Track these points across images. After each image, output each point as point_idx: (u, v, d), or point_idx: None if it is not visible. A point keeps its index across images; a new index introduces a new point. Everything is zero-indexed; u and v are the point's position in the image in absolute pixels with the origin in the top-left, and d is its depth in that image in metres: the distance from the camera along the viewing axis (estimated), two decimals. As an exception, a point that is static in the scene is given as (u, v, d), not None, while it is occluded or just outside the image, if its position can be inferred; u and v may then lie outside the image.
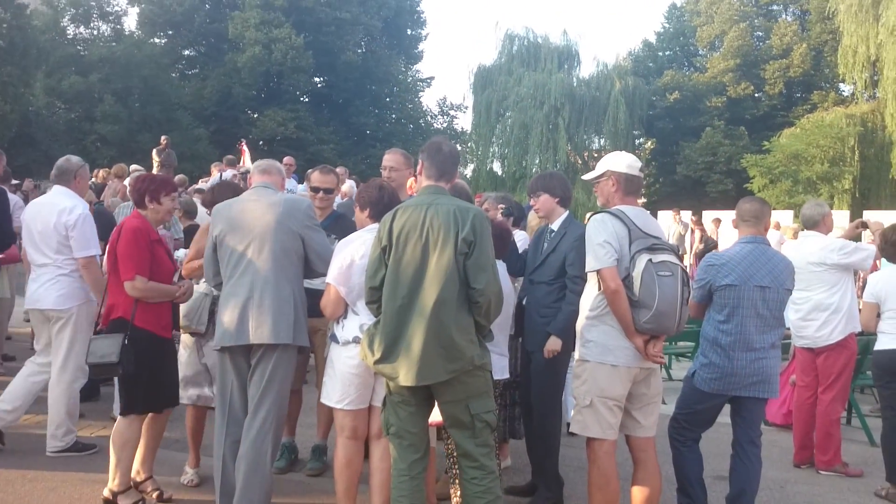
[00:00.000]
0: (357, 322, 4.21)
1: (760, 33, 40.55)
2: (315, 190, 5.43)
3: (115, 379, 5.34)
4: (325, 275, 4.33)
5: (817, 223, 6.19)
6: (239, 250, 4.34)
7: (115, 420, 5.25)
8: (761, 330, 4.66)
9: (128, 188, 7.88)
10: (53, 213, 5.40)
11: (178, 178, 12.63)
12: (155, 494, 4.82)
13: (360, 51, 39.76)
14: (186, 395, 5.02)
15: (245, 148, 15.46)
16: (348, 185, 10.62)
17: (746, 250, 4.75)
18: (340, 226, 5.18)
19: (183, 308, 4.88)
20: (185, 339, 5.05)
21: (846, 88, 36.91)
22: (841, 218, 20.05)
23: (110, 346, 4.43)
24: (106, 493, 4.59)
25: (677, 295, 3.99)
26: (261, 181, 4.62)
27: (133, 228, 4.53)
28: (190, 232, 7.17)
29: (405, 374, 3.69)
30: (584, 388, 4.18)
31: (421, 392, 3.79)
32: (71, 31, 33.92)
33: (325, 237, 4.57)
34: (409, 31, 43.96)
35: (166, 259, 4.74)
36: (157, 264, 4.60)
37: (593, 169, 4.50)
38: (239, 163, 14.92)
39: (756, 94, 39.29)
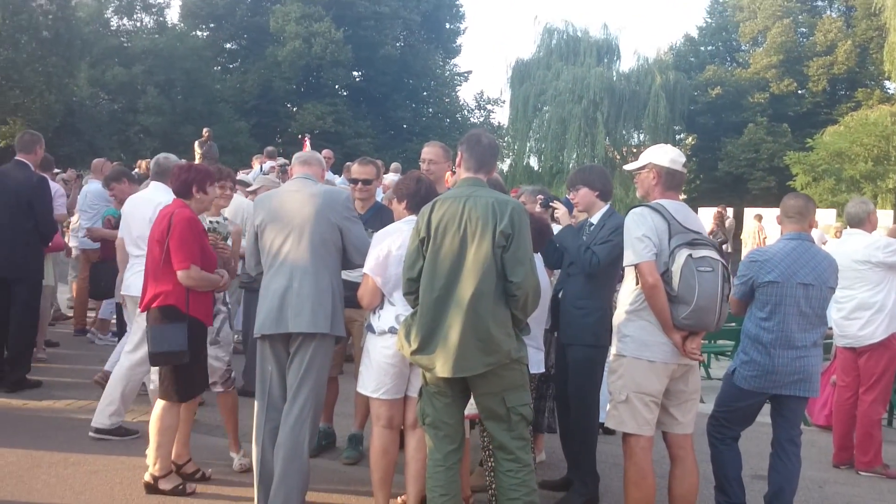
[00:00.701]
0: (393, 313, 4.23)
1: (804, 29, 39.85)
2: (353, 181, 5.46)
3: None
4: (362, 266, 4.36)
5: (862, 221, 6.10)
6: (279, 240, 4.39)
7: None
8: (803, 328, 4.59)
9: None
10: (150, 208, 5.55)
11: (219, 169, 12.76)
12: (198, 475, 4.91)
13: (398, 45, 39.83)
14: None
15: (307, 143, 15.72)
16: (390, 179, 10.64)
17: (790, 247, 4.69)
18: (381, 217, 5.20)
19: None
20: None
21: (891, 86, 36.11)
22: (885, 217, 19.71)
23: (178, 335, 4.48)
24: (147, 477, 4.66)
25: (717, 291, 3.94)
26: (301, 172, 4.66)
27: (186, 218, 4.57)
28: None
29: (442, 366, 3.70)
30: (619, 383, 4.17)
31: (457, 384, 3.80)
32: (114, 22, 34.39)
33: (362, 229, 4.60)
34: (447, 25, 43.96)
35: (211, 249, 4.80)
36: (205, 254, 4.67)
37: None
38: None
39: (799, 91, 38.66)
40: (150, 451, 4.68)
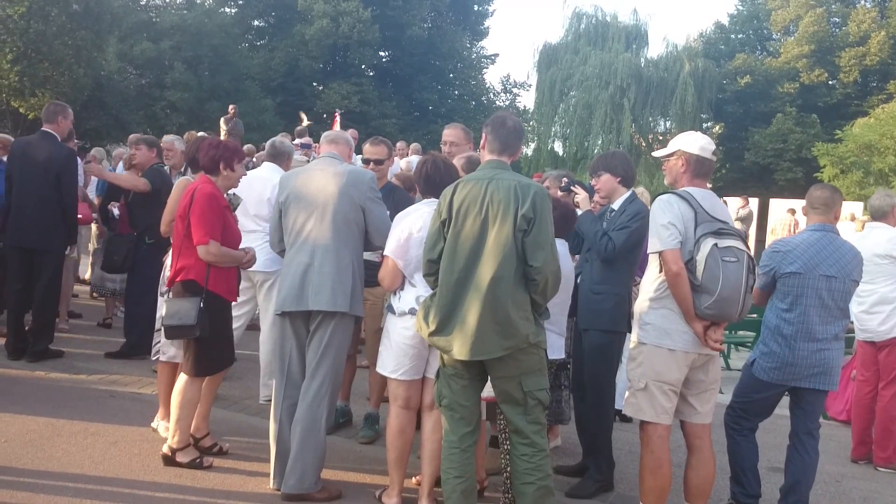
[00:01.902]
0: (414, 294, 4.23)
1: (837, 19, 39.29)
2: (365, 161, 5.47)
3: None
4: (381, 248, 4.37)
5: (885, 214, 6.02)
6: (302, 218, 4.41)
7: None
8: (825, 320, 4.55)
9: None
10: (267, 187, 5.77)
11: (246, 147, 12.82)
12: (215, 449, 4.96)
13: (426, 26, 39.68)
14: (168, 353, 5.10)
15: (338, 118, 15.76)
16: (406, 163, 10.61)
17: (814, 238, 4.64)
18: (393, 198, 5.21)
19: None
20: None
21: (926, 79, 35.58)
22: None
23: (188, 309, 4.49)
24: (165, 449, 4.70)
25: (742, 282, 3.91)
26: (328, 151, 4.67)
27: (207, 194, 4.59)
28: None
29: (459, 348, 3.70)
30: (639, 370, 4.15)
31: (474, 366, 3.80)
32: (144, -3, 34.44)
33: (385, 211, 4.60)
34: (475, 7, 43.74)
35: (235, 225, 4.82)
36: (228, 230, 4.68)
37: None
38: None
39: (830, 82, 38.14)
40: (171, 424, 4.73)
